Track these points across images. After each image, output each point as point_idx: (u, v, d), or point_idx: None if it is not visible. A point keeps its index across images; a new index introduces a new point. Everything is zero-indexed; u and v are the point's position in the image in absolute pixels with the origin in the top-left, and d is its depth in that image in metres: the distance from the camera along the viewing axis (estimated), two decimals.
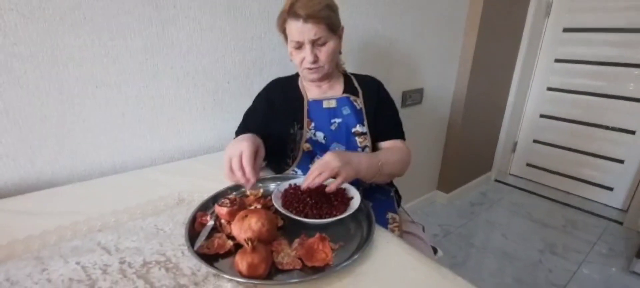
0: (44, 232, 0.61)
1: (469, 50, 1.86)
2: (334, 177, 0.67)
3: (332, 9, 0.81)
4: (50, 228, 0.62)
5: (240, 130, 0.92)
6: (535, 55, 2.27)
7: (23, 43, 0.74)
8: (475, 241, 1.85)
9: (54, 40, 0.77)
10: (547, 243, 1.84)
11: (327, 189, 0.67)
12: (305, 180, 0.68)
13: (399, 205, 0.97)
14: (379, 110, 0.91)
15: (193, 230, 0.60)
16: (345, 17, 0.86)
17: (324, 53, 0.81)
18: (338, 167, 0.67)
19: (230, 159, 0.68)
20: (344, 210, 0.64)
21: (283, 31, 0.83)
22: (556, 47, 2.20)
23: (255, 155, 0.70)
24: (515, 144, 2.51)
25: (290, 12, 0.77)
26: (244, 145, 0.69)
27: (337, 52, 0.86)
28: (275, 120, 0.89)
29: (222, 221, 0.62)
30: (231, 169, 0.68)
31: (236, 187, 0.76)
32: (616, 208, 2.13)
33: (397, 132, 0.93)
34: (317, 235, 0.56)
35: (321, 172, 0.66)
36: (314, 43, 0.79)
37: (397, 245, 0.61)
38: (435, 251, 1.00)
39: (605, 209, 2.15)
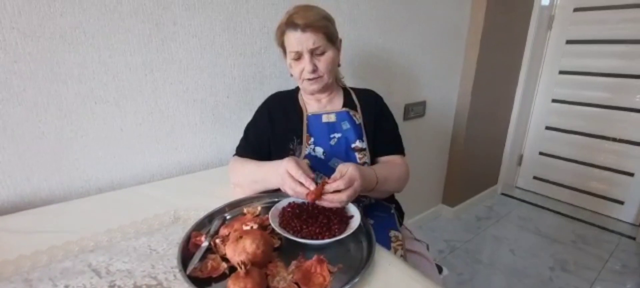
0: (35, 252, 0.59)
1: (472, 63, 1.85)
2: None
3: (329, 20, 0.82)
4: (42, 248, 0.60)
5: (242, 144, 0.91)
6: (538, 67, 2.26)
7: (23, 60, 0.74)
8: (483, 257, 1.80)
9: (54, 57, 0.77)
10: (558, 259, 1.77)
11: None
12: (332, 184, 0.65)
13: (401, 222, 0.94)
14: (377, 124, 0.89)
15: (187, 251, 0.58)
16: (346, 31, 0.86)
17: (323, 62, 0.81)
18: (359, 187, 0.67)
19: (284, 182, 0.66)
20: (344, 230, 0.62)
21: (281, 44, 0.84)
22: (560, 59, 2.18)
23: (298, 164, 0.67)
24: (521, 156, 2.47)
25: (288, 23, 0.78)
26: (284, 164, 0.67)
27: (336, 63, 0.85)
28: (275, 135, 0.88)
29: (217, 241, 0.60)
30: (294, 183, 0.65)
31: (234, 205, 0.74)
32: (628, 223, 2.07)
33: (396, 146, 0.91)
34: (315, 257, 0.54)
35: (350, 192, 0.65)
36: (313, 52, 0.79)
37: (398, 267, 0.58)
38: (440, 270, 0.96)
39: (616, 224, 2.08)
